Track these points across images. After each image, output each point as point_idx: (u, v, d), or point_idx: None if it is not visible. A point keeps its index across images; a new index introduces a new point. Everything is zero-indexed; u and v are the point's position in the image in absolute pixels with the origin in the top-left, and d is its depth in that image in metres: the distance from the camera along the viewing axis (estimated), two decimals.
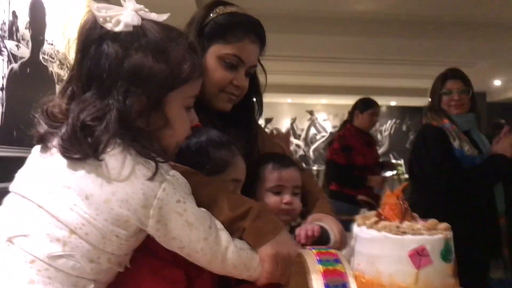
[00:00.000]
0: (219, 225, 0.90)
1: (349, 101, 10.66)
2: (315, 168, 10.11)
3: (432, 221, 0.84)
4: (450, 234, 0.81)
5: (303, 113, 10.66)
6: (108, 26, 0.86)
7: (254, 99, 1.37)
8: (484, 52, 6.14)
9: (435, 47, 5.82)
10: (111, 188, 0.81)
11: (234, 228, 0.92)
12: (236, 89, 1.23)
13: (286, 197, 1.26)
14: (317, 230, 1.14)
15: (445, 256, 0.78)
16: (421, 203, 2.35)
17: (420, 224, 0.83)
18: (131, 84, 0.85)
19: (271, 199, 1.26)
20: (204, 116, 1.20)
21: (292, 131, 10.60)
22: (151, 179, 0.82)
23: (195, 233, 0.85)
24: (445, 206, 2.23)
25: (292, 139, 10.61)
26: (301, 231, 1.15)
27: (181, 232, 0.84)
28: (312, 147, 10.68)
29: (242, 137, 1.30)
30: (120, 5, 0.90)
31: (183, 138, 0.95)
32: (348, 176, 3.53)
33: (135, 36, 0.87)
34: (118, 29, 0.86)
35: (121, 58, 0.85)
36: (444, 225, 0.83)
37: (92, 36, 0.88)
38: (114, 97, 0.84)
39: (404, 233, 0.79)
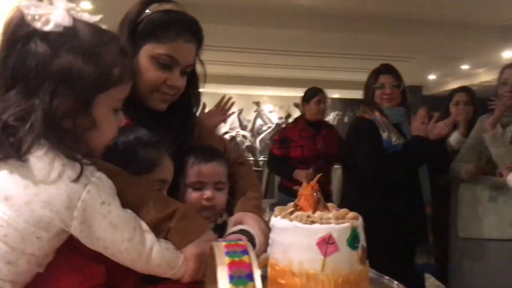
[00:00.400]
0: (144, 226, 0.90)
1: (294, 93, 10.84)
2: (261, 158, 10.22)
3: (342, 211, 0.88)
4: (357, 222, 0.85)
5: (250, 104, 10.71)
6: (37, 25, 0.84)
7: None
8: (421, 48, 6.42)
9: (374, 42, 6.03)
10: (35, 190, 0.80)
11: (159, 229, 0.92)
12: (170, 89, 1.21)
13: (207, 193, 1.24)
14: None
15: (351, 243, 0.82)
16: (352, 191, 2.47)
17: (331, 214, 0.87)
18: (59, 85, 0.83)
19: (192, 195, 1.24)
20: (138, 114, 1.18)
21: (239, 122, 10.63)
22: (75, 181, 0.81)
23: (119, 234, 0.85)
24: (374, 194, 2.35)
25: (239, 130, 10.66)
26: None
27: (105, 233, 0.84)
28: (259, 138, 10.77)
29: (175, 135, 1.28)
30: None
31: (110, 139, 0.94)
32: (280, 168, 3.56)
33: (66, 36, 0.85)
34: (47, 28, 0.84)
35: (50, 58, 0.83)
36: (352, 214, 0.87)
37: (19, 34, 0.84)
38: (40, 97, 0.82)
39: (313, 222, 0.82)
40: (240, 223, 1.19)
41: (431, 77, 9.13)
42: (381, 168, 2.30)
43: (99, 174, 0.85)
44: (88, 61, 0.84)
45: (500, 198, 2.10)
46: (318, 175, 0.93)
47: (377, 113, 2.42)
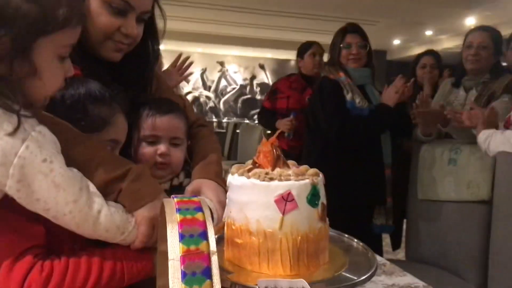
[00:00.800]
0: (91, 187, 0.83)
1: (260, 53, 10.68)
2: (225, 120, 10.15)
3: (303, 167, 0.84)
4: (318, 179, 0.81)
5: (214, 64, 10.51)
6: None
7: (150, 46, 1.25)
8: (386, 11, 6.40)
9: (340, 4, 5.96)
10: None
11: (109, 191, 0.85)
12: (125, 38, 1.11)
13: (161, 148, 1.16)
14: None
15: (311, 201, 0.79)
16: (314, 152, 2.47)
17: (291, 171, 0.83)
18: None
19: (145, 150, 1.16)
20: (89, 65, 1.08)
21: (202, 82, 10.45)
22: (11, 134, 0.72)
23: (63, 195, 0.77)
24: (335, 155, 2.35)
25: (202, 90, 10.48)
26: None
27: (47, 193, 0.76)
28: (223, 99, 10.65)
29: (129, 88, 1.18)
30: None
31: (54, 91, 0.84)
32: (267, 121, 3.50)
33: None
34: None
35: None
36: (313, 170, 0.83)
37: None
38: None
39: (272, 179, 0.78)
40: (198, 192, 1.11)
41: (395, 42, 9.19)
42: (343, 129, 2.29)
43: (40, 128, 0.76)
44: None
45: (458, 160, 2.13)
46: (278, 131, 0.88)
47: (341, 74, 2.39)
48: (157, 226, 0.84)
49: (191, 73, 2.26)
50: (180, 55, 2.18)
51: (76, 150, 0.85)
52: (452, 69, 2.97)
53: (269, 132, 3.89)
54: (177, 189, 1.19)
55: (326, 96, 2.38)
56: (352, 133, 2.31)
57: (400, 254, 3.60)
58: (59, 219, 0.79)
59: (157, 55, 1.28)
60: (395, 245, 2.93)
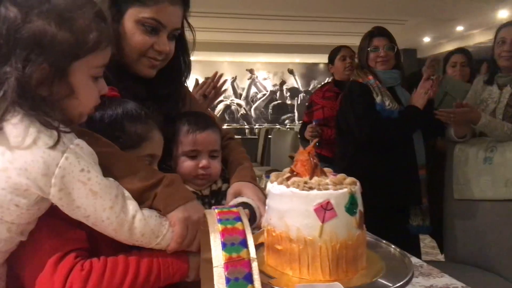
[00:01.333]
0: (126, 194, 0.88)
1: (288, 59, 10.71)
2: (256, 126, 10.21)
3: (340, 176, 0.88)
4: (355, 188, 0.84)
5: (243, 72, 10.61)
6: None
7: (182, 60, 1.32)
8: (414, 10, 6.32)
9: (368, 5, 5.92)
10: (11, 156, 0.78)
11: (144, 197, 0.91)
12: (158, 54, 1.19)
13: (203, 162, 1.23)
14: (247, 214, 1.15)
15: (349, 209, 0.82)
16: (346, 156, 2.48)
17: (328, 179, 0.87)
18: (31, 51, 0.80)
19: (187, 164, 1.23)
20: (126, 83, 1.16)
21: (233, 90, 10.55)
22: (52, 147, 0.79)
23: (100, 202, 0.83)
24: (367, 158, 2.37)
25: (233, 98, 10.59)
26: None
27: (86, 201, 0.83)
28: (254, 106, 10.72)
29: (163, 102, 1.26)
30: None
31: (90, 108, 0.92)
32: (302, 133, 3.36)
33: (37, 0, 0.82)
34: None
35: (21, 24, 0.80)
36: (350, 179, 0.86)
37: None
38: (12, 65, 0.79)
39: (311, 188, 0.82)
40: (239, 194, 1.20)
41: (426, 39, 9.04)
42: (374, 132, 2.31)
43: (78, 141, 0.83)
44: (61, 26, 0.82)
45: (494, 159, 2.10)
46: (314, 141, 0.92)
47: (370, 77, 2.41)
48: (192, 229, 0.90)
49: (224, 91, 2.15)
50: (215, 74, 2.03)
51: (115, 166, 0.91)
52: (488, 63, 2.91)
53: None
54: (217, 194, 1.28)
55: (355, 99, 2.41)
56: (383, 135, 2.33)
57: (440, 256, 3.55)
58: (98, 226, 0.86)
59: (189, 68, 1.35)
60: (441, 248, 2.90)
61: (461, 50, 3.08)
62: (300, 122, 3.65)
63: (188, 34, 1.32)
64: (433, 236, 2.84)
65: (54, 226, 0.87)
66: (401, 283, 0.82)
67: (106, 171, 0.87)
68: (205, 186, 1.27)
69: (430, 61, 2.75)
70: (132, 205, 0.88)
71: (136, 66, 1.19)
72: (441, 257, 3.18)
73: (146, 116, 1.06)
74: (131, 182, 0.90)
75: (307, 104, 3.57)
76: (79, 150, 0.83)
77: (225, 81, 2.01)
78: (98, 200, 0.83)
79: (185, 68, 1.34)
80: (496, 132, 2.16)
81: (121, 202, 0.86)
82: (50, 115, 0.81)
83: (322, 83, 3.75)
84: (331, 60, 3.33)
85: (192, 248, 0.92)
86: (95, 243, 0.90)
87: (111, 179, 0.87)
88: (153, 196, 0.91)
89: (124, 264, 0.86)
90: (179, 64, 1.31)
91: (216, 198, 1.28)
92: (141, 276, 0.87)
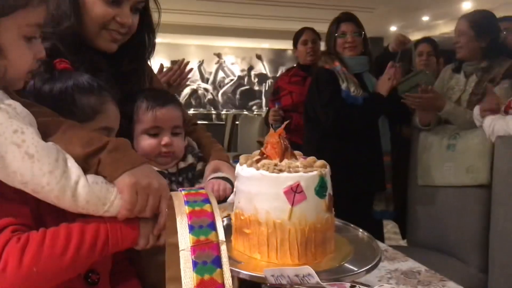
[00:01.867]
0: (69, 159, 0.82)
1: (257, 44, 10.64)
2: (223, 112, 10.15)
3: (310, 159, 0.86)
4: (325, 171, 0.84)
5: (211, 56, 10.47)
6: None
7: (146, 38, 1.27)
8: None
9: None
10: None
11: (89, 164, 0.84)
12: (120, 27, 1.13)
13: (165, 139, 1.19)
14: (229, 189, 1.14)
15: (319, 192, 0.81)
16: (313, 141, 2.50)
17: (299, 162, 0.85)
18: None
19: (148, 142, 1.20)
20: (86, 57, 1.11)
21: (200, 74, 10.43)
22: None
23: (38, 166, 0.77)
24: (333, 144, 2.39)
25: (200, 82, 10.47)
26: (209, 186, 1.15)
27: (22, 165, 0.76)
28: (221, 91, 10.63)
29: (125, 78, 1.22)
30: None
31: (23, 71, 0.85)
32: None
33: None
34: None
35: None
36: (320, 162, 0.85)
37: None
38: None
39: (281, 170, 0.80)
40: (218, 170, 1.22)
41: (392, 28, 9.16)
42: (339, 118, 2.34)
43: (11, 101, 0.78)
44: None
45: (457, 146, 2.16)
46: (285, 122, 0.90)
47: (337, 63, 2.43)
48: (141, 193, 0.84)
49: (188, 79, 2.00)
50: (182, 61, 1.93)
51: (55, 131, 0.85)
52: (448, 56, 2.97)
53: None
54: (186, 171, 1.25)
55: (321, 86, 2.42)
56: (347, 122, 2.36)
57: (402, 241, 3.64)
58: (39, 193, 0.79)
59: (153, 46, 1.30)
60: (403, 233, 2.96)
61: (427, 40, 3.13)
62: (267, 108, 3.55)
63: (154, 16, 1.27)
64: (397, 221, 2.89)
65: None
66: (369, 266, 0.82)
67: (46, 139, 0.81)
68: (170, 165, 1.23)
69: (396, 37, 2.76)
70: (75, 169, 0.81)
71: (96, 40, 1.14)
72: (403, 243, 3.27)
73: (99, 87, 1.01)
74: (73, 149, 0.84)
75: (272, 90, 3.46)
76: (11, 110, 0.77)
77: (191, 70, 1.93)
78: (35, 164, 0.77)
79: (149, 45, 1.29)
80: (459, 119, 2.21)
81: (62, 167, 0.79)
82: None
83: (286, 68, 3.61)
84: (295, 43, 3.24)
85: (146, 215, 0.86)
86: (41, 222, 0.84)
87: (50, 142, 0.81)
88: (97, 162, 0.85)
89: (66, 232, 0.80)
90: (143, 40, 1.27)
91: (186, 175, 1.24)
92: (86, 242, 0.81)
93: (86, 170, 0.83)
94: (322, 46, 3.05)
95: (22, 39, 0.82)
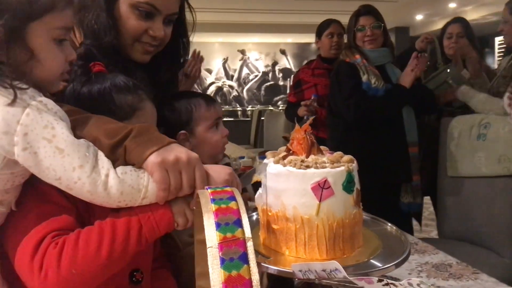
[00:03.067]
0: (100, 154, 0.83)
1: (281, 39, 10.60)
2: (249, 108, 10.17)
3: (337, 154, 0.86)
4: (352, 166, 0.83)
5: (235, 53, 10.50)
6: None
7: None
8: None
9: None
10: None
11: (116, 154, 0.84)
12: (153, 40, 1.17)
13: (225, 130, 1.33)
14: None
15: (346, 187, 0.81)
16: (337, 135, 2.50)
17: (325, 157, 0.86)
18: None
19: (216, 137, 1.31)
20: (124, 67, 1.14)
21: (224, 71, 10.47)
22: (10, 104, 0.76)
23: (68, 160, 0.78)
24: (357, 136, 2.39)
25: (225, 80, 10.51)
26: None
27: (53, 160, 0.78)
28: (246, 88, 10.65)
29: (160, 87, 1.25)
30: None
31: (57, 73, 0.88)
32: (293, 114, 3.04)
33: None
34: None
35: None
36: (347, 157, 0.85)
37: None
38: None
39: (308, 167, 0.80)
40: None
41: (418, 17, 8.98)
42: (360, 110, 2.33)
43: (43, 98, 0.80)
44: None
45: (488, 135, 2.11)
46: (310, 118, 0.90)
47: (357, 56, 2.42)
48: (171, 169, 0.83)
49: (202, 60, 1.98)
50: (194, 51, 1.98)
51: (84, 126, 0.87)
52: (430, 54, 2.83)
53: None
54: None
55: (342, 79, 2.42)
56: (368, 113, 2.35)
57: (434, 233, 3.59)
58: (72, 189, 0.80)
59: (187, 50, 1.34)
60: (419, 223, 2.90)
61: (457, 20, 2.89)
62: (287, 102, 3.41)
63: (187, 15, 1.30)
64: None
65: (43, 211, 0.84)
66: (398, 260, 0.82)
67: (75, 135, 0.83)
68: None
69: (424, 37, 2.69)
70: (104, 163, 0.82)
71: (130, 51, 1.18)
72: (434, 235, 3.22)
73: (135, 86, 1.05)
74: (99, 141, 0.85)
75: (292, 83, 3.30)
76: (42, 106, 0.79)
77: (203, 58, 1.92)
78: (65, 158, 0.78)
79: (184, 52, 1.33)
80: (473, 100, 2.18)
81: (91, 161, 0.80)
82: (8, 76, 0.77)
83: (306, 62, 3.46)
84: (319, 34, 3.12)
85: (185, 192, 0.85)
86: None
87: (81, 139, 0.83)
88: (123, 151, 0.84)
89: (98, 230, 0.81)
90: (178, 48, 1.31)
91: None
92: (119, 235, 0.81)
93: (115, 161, 0.84)
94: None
95: (52, 41, 0.85)
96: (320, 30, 3.10)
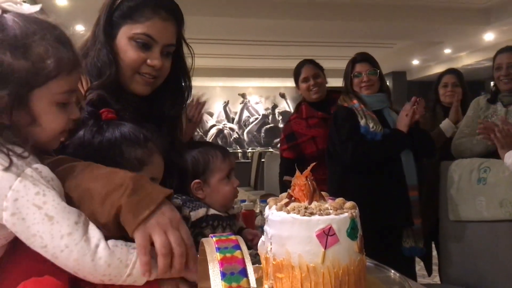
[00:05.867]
0: (89, 222, 0.82)
1: (280, 83, 10.79)
2: (249, 150, 10.21)
3: (339, 200, 0.87)
4: (355, 212, 0.84)
5: (236, 96, 10.67)
6: None
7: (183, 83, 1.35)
8: (403, 33, 6.43)
9: (357, 30, 6.02)
10: None
11: (108, 205, 0.82)
12: (152, 70, 1.20)
13: (237, 181, 1.34)
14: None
15: (351, 234, 0.81)
16: (334, 178, 2.51)
17: (328, 203, 0.86)
18: None
19: (228, 188, 1.31)
20: (127, 101, 1.18)
21: (225, 114, 10.59)
22: (5, 170, 0.77)
23: (57, 227, 0.77)
24: (355, 180, 2.40)
25: (225, 122, 10.61)
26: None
27: (42, 227, 0.77)
28: (246, 130, 10.74)
29: (166, 128, 1.27)
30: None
31: (56, 134, 0.89)
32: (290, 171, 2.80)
33: None
34: None
35: None
36: (350, 203, 0.86)
37: None
38: None
39: (312, 214, 0.81)
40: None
41: (415, 62, 9.18)
42: (357, 153, 2.35)
43: (38, 166, 0.81)
44: (16, 55, 0.80)
45: (488, 179, 2.12)
46: (311, 165, 0.90)
47: (355, 101, 2.47)
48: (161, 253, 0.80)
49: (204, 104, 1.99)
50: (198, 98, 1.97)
51: (82, 173, 0.86)
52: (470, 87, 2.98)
53: None
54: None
55: (339, 123, 2.46)
56: (366, 157, 2.37)
57: (437, 278, 3.52)
58: (58, 258, 0.78)
59: (190, 89, 1.37)
60: (429, 270, 2.87)
61: (452, 71, 3.11)
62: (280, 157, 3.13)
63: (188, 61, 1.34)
64: (421, 257, 2.79)
65: (30, 269, 0.82)
66: None
67: (73, 180, 0.84)
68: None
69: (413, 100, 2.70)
70: (95, 233, 0.81)
71: (131, 84, 1.21)
72: (437, 280, 3.16)
73: (145, 139, 1.05)
74: (94, 186, 0.84)
75: (284, 136, 2.97)
76: (36, 174, 0.80)
77: (205, 102, 1.96)
78: (55, 225, 0.77)
79: (186, 89, 1.36)
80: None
81: (81, 230, 0.79)
82: (8, 140, 0.79)
83: (295, 108, 3.14)
84: (296, 81, 2.92)
85: (173, 275, 0.83)
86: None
87: (73, 208, 0.82)
88: (117, 206, 0.82)
89: None
90: (179, 84, 1.34)
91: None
92: None
93: (107, 213, 0.82)
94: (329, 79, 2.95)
95: (54, 105, 0.87)
96: (295, 78, 2.94)
